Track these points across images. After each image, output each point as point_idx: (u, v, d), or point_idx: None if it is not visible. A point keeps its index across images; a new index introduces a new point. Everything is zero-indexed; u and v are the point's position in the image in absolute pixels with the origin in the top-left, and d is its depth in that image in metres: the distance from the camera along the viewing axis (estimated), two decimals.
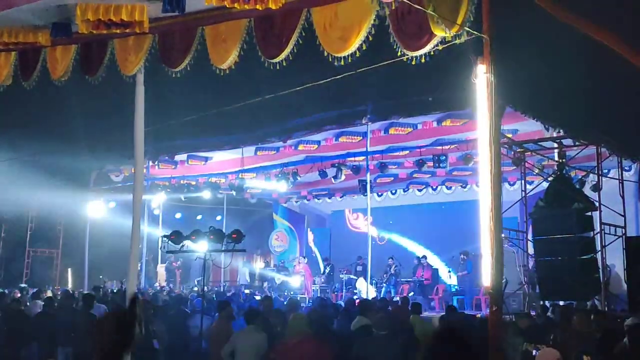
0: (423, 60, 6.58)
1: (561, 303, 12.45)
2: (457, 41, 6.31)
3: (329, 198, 25.39)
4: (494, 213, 5.90)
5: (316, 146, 17.14)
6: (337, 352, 7.57)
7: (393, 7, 6.30)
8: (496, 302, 5.81)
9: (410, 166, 18.92)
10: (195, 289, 19.55)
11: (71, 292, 15.36)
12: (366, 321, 8.31)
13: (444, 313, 12.72)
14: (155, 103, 9.19)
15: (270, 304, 11.07)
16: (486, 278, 5.92)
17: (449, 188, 22.57)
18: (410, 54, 6.59)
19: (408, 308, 11.70)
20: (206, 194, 21.80)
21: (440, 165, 16.77)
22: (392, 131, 15.55)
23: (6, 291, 15.91)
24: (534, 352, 7.36)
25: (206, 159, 19.01)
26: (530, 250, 13.95)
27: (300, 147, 17.19)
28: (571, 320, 8.79)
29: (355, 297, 17.73)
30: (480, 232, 6.28)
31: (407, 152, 17.37)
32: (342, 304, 14.33)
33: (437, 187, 22.80)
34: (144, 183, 9.95)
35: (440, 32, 6.27)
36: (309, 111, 14.18)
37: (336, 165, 18.08)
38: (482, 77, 6.31)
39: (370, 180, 17.47)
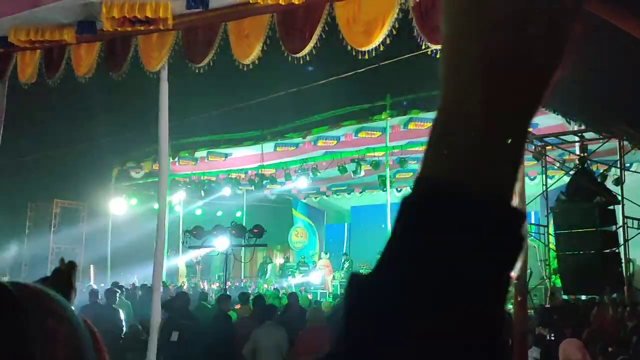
0: None
1: (583, 297, 12.39)
2: None
3: (348, 193, 25.40)
4: (517, 206, 5.89)
5: (335, 142, 17.19)
6: None
7: (418, 0, 6.31)
8: (521, 293, 5.82)
9: None
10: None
11: (94, 287, 15.55)
12: None
13: None
14: (177, 99, 9.29)
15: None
16: None
17: None
18: (435, 47, 6.60)
19: None
20: (226, 190, 21.96)
21: None
22: (411, 126, 15.55)
23: None
24: (547, 336, 7.36)
25: (226, 155, 19.14)
26: (552, 245, 13.89)
27: (320, 143, 17.25)
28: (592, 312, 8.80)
29: None
30: None
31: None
32: None
33: None
34: (167, 179, 10.10)
35: None
36: (329, 106, 14.25)
37: (355, 160, 18.10)
38: None
39: (390, 176, 17.48)
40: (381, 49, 6.86)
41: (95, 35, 8.58)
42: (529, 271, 7.63)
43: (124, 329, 10.92)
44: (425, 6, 6.47)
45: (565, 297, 12.71)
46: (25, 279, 17.09)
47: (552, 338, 6.64)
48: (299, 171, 19.23)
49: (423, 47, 6.71)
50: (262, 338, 8.09)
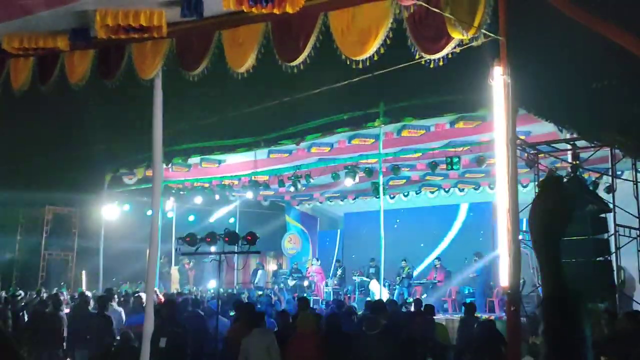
0: (441, 63, 6.62)
1: None
2: (475, 43, 6.35)
3: (342, 200, 25.42)
4: (511, 214, 5.93)
5: (329, 148, 17.19)
6: (342, 350, 7.69)
7: (412, 10, 6.34)
8: (514, 302, 5.84)
9: (423, 168, 18.93)
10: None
11: (86, 294, 15.49)
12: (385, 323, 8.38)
13: (461, 315, 12.78)
14: (170, 106, 9.28)
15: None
16: (504, 279, 5.96)
17: (461, 190, 22.55)
18: (428, 57, 6.63)
19: (421, 310, 11.75)
20: (219, 197, 21.95)
21: (453, 167, 16.75)
22: (404, 133, 15.56)
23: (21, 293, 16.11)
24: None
25: (219, 161, 19.10)
26: None
27: (313, 150, 17.23)
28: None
29: (368, 298, 17.74)
30: (497, 233, 6.32)
31: (419, 154, 17.37)
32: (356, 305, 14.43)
33: (449, 189, 22.79)
34: (161, 185, 10.01)
35: (457, 35, 6.31)
36: (322, 113, 14.24)
37: (349, 167, 18.11)
38: (498, 79, 6.34)
39: (383, 183, 17.49)
40: (375, 58, 6.88)
41: (89, 43, 8.58)
42: (522, 280, 7.65)
43: (116, 336, 10.88)
44: (419, 16, 6.51)
45: None
46: (16, 285, 17.02)
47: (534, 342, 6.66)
48: (292, 178, 19.24)
49: (417, 56, 6.74)
50: (251, 345, 8.08)
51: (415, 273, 20.81)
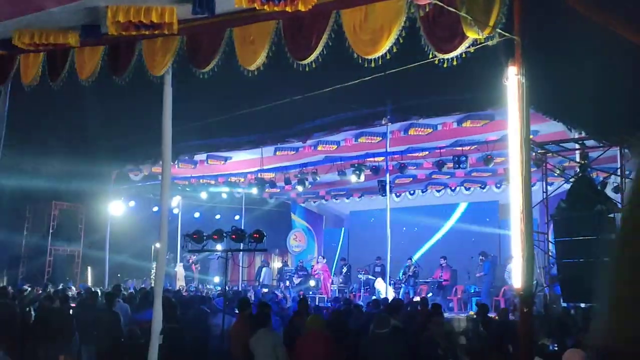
0: (455, 63, 6.58)
1: (582, 305, 12.37)
2: (490, 43, 6.31)
3: (347, 198, 25.40)
4: (525, 215, 5.90)
5: (335, 146, 17.16)
6: (351, 352, 7.68)
7: (427, 9, 6.30)
8: (527, 303, 5.81)
9: (429, 167, 18.90)
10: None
11: (92, 290, 15.49)
12: (395, 322, 8.36)
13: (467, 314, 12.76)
14: (180, 103, 9.26)
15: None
16: (517, 280, 5.93)
17: (467, 189, 22.51)
18: (442, 56, 6.59)
19: (428, 309, 11.72)
20: (225, 194, 21.92)
21: (460, 166, 16.73)
22: (411, 132, 15.53)
23: (28, 287, 16.13)
24: (550, 347, 7.37)
25: (226, 158, 19.10)
26: (551, 252, 13.88)
27: (320, 148, 17.21)
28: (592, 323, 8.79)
29: (374, 297, 17.71)
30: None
31: (426, 152, 17.35)
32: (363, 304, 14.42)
33: (455, 188, 22.76)
34: (169, 183, 9.96)
35: (472, 34, 6.27)
36: (329, 112, 14.21)
37: (355, 165, 18.10)
38: (513, 79, 6.31)
39: (389, 181, 17.47)
40: (387, 57, 6.84)
41: (99, 39, 8.57)
42: (534, 282, 7.62)
43: (124, 332, 10.89)
44: (434, 15, 6.47)
45: (564, 304, 12.71)
46: (22, 280, 17.02)
47: (555, 349, 6.64)
48: (299, 175, 19.23)
49: (430, 55, 6.70)
50: (257, 345, 8.07)
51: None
